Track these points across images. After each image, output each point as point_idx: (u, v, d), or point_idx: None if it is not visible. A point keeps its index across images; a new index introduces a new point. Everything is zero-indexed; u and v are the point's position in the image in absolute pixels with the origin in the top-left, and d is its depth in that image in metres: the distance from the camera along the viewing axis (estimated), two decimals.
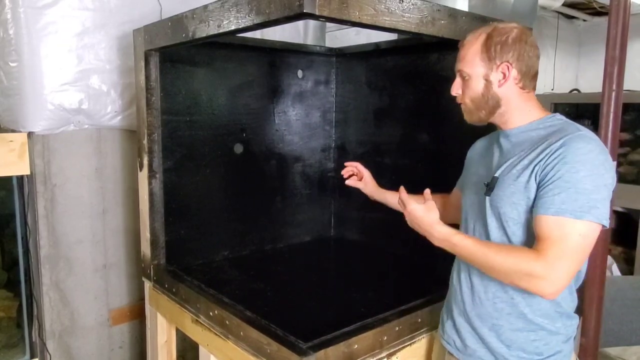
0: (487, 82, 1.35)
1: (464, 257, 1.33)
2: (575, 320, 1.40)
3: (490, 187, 1.35)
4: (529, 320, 1.33)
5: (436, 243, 1.35)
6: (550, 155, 1.23)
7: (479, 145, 1.60)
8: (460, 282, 1.46)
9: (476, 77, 1.36)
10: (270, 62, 2.48)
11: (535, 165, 1.26)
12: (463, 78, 1.39)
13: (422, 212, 1.35)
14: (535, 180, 1.25)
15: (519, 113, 1.37)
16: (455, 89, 1.42)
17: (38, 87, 2.25)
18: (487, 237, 1.36)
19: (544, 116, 1.37)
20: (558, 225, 1.18)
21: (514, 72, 1.33)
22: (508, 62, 1.32)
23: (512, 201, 1.29)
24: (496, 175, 1.34)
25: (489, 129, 1.52)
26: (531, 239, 1.27)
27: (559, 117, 1.36)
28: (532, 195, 1.26)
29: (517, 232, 1.31)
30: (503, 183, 1.32)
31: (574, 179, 1.18)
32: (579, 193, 1.17)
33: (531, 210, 1.26)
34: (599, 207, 1.18)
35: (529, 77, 1.35)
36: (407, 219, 1.40)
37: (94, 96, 2.38)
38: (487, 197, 1.35)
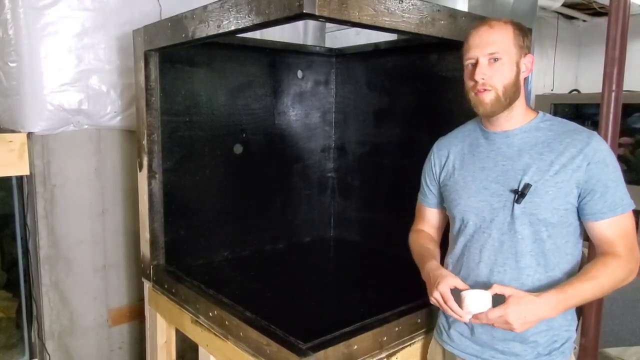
0: (518, 69, 1.34)
1: (578, 303, 1.28)
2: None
3: (522, 194, 1.32)
4: (552, 319, 1.33)
5: (554, 314, 1.25)
6: (590, 162, 1.29)
7: (453, 151, 1.52)
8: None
9: (510, 62, 1.32)
10: (270, 63, 2.47)
11: (575, 172, 1.29)
12: (493, 61, 1.31)
13: (520, 302, 1.23)
14: (577, 186, 1.30)
15: (523, 110, 1.39)
16: (482, 72, 1.31)
17: (38, 88, 2.25)
18: (514, 242, 1.35)
19: (537, 114, 1.40)
20: (626, 220, 1.31)
21: (529, 66, 1.36)
22: (531, 54, 1.36)
23: (554, 207, 1.31)
24: (528, 182, 1.32)
25: None
26: (564, 239, 1.34)
27: (549, 115, 1.40)
28: (572, 200, 1.31)
29: (553, 235, 1.33)
30: (539, 190, 1.31)
31: (616, 177, 1.30)
32: (624, 186, 1.31)
33: (566, 211, 1.32)
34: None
35: None
36: (511, 319, 1.21)
37: (94, 96, 2.38)
38: (516, 204, 1.33)
